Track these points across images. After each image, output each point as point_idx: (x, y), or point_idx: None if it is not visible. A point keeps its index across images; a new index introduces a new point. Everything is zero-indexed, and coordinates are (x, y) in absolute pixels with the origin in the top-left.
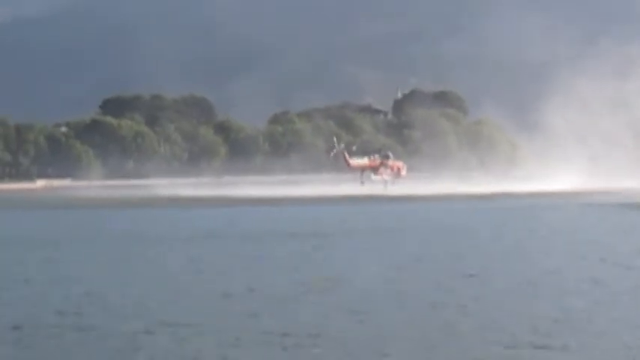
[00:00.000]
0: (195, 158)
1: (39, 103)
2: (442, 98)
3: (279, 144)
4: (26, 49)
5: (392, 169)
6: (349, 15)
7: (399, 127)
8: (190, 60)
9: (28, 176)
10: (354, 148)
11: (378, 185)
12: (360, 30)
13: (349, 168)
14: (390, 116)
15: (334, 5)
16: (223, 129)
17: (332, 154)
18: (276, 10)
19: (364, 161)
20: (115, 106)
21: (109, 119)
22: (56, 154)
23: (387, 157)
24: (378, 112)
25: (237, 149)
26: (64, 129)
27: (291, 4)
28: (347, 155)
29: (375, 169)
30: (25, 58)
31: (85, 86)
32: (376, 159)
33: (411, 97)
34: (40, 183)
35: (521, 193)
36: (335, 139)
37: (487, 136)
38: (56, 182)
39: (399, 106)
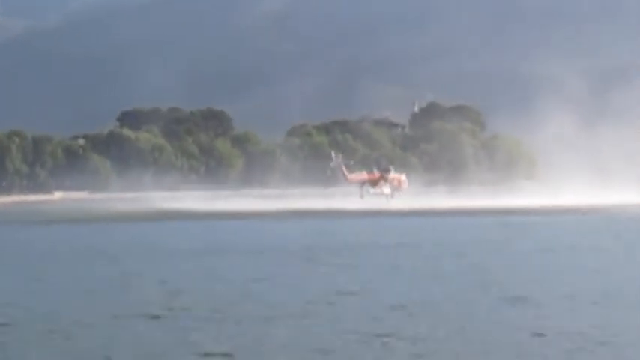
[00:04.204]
0: (212, 171)
1: (57, 115)
2: (459, 112)
3: (297, 157)
4: (43, 61)
5: (392, 182)
6: (368, 31)
7: (416, 140)
8: (208, 73)
9: (46, 188)
10: (352, 162)
11: (380, 199)
12: (379, 46)
13: (347, 182)
14: (407, 130)
15: (353, 21)
16: (240, 142)
17: (329, 169)
18: (295, 24)
19: (363, 175)
20: (133, 119)
21: (127, 132)
22: (74, 166)
23: (388, 171)
24: (395, 125)
25: (255, 162)
26: (81, 141)
27: (311, 19)
28: (345, 169)
29: (374, 183)
30: (42, 70)
31: (102, 99)
32: (375, 172)
33: (428, 110)
34: (58, 195)
35: (531, 208)
36: (333, 153)
37: (504, 150)
38: (74, 194)
39: (416, 119)
